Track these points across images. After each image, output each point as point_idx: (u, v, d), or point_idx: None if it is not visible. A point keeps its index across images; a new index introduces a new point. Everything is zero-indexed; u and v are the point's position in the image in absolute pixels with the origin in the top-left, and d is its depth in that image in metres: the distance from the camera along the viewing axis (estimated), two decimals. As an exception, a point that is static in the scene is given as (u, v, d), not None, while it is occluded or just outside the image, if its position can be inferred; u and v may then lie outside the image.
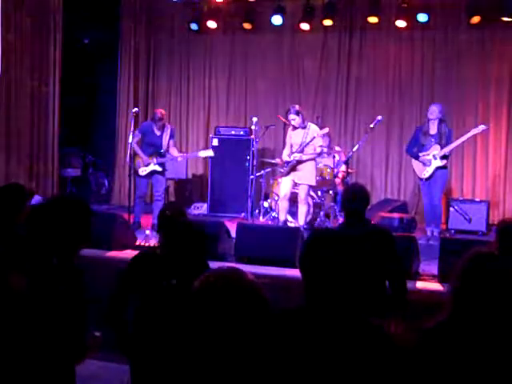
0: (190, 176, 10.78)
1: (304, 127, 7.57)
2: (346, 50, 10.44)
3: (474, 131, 7.75)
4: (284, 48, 10.72)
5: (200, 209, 10.01)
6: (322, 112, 10.39)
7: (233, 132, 10.05)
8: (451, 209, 8.44)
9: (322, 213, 8.15)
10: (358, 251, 3.73)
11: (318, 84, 10.61)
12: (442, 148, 7.61)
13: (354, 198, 4.03)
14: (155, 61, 11.40)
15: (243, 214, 8.87)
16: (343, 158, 8.57)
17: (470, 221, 8.29)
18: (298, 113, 7.52)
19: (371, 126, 7.54)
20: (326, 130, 7.81)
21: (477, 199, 9.14)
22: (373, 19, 9.85)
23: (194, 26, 10.65)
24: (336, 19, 10.10)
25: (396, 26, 9.81)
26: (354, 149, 7.70)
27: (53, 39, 9.94)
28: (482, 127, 7.77)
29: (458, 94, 9.91)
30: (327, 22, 10.06)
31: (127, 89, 11.23)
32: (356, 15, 10.26)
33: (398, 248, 3.98)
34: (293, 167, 7.56)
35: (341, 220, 8.03)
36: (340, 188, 8.68)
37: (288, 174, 7.61)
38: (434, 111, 7.70)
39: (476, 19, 9.34)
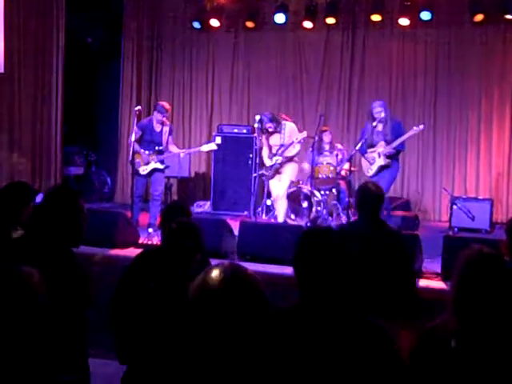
0: (192, 174, 10.78)
1: (280, 131, 7.67)
2: (348, 48, 10.44)
3: (413, 131, 7.39)
4: (287, 46, 10.72)
5: (203, 207, 10.01)
6: (325, 110, 10.38)
7: (235, 130, 10.05)
8: (454, 207, 8.42)
9: (324, 211, 8.14)
10: (368, 250, 3.74)
11: (321, 82, 10.61)
12: (387, 145, 7.30)
13: (368, 197, 4.03)
14: (158, 59, 11.40)
15: (246, 212, 8.86)
16: (346, 156, 8.55)
17: (473, 219, 8.27)
18: (271, 120, 7.66)
19: (374, 124, 7.50)
20: (304, 133, 7.74)
21: (480, 197, 9.13)
22: (376, 17, 9.84)
23: (196, 25, 10.64)
24: (339, 17, 10.10)
25: (399, 24, 9.81)
26: (357, 147, 7.67)
27: (56, 38, 9.94)
28: (421, 127, 7.47)
29: (462, 91, 9.90)
30: (330, 20, 10.06)
31: (130, 87, 11.23)
32: (359, 13, 10.25)
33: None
34: (277, 169, 7.74)
35: (343, 218, 8.03)
36: (343, 186, 8.67)
37: (273, 176, 7.78)
38: (379, 112, 7.31)
39: (479, 17, 9.32)
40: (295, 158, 7.90)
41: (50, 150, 10.00)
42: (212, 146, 8.19)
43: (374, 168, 7.37)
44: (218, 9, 10.50)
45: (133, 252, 5.64)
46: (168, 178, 9.41)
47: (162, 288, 3.22)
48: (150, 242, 6.68)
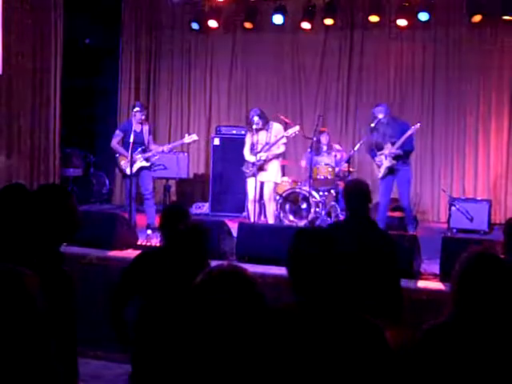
0: (191, 175, 10.78)
1: (267, 129, 7.67)
2: (347, 48, 10.45)
3: (411, 130, 7.31)
4: (285, 47, 10.72)
5: (201, 208, 10.01)
6: (324, 110, 10.38)
7: (234, 131, 10.05)
8: (453, 208, 8.43)
9: (323, 212, 8.14)
10: (353, 249, 3.73)
11: (319, 83, 10.62)
12: (392, 147, 7.34)
13: (351, 196, 4.04)
14: (156, 60, 11.40)
15: (244, 214, 8.86)
16: (344, 157, 8.57)
17: (471, 220, 8.27)
18: (260, 116, 7.66)
19: (372, 125, 7.51)
20: (297, 128, 7.79)
21: (478, 198, 9.13)
22: (374, 18, 9.86)
23: (195, 26, 10.64)
24: (337, 18, 10.11)
25: (397, 25, 9.82)
26: (356, 148, 7.68)
27: (54, 39, 9.93)
28: (418, 125, 7.44)
29: (459, 92, 9.90)
30: (328, 21, 10.07)
31: (128, 88, 11.24)
32: (357, 14, 10.26)
33: (399, 247, 3.97)
34: (260, 167, 7.70)
35: (342, 219, 8.03)
36: (341, 187, 8.68)
37: (255, 174, 7.72)
38: (383, 116, 7.37)
39: (477, 18, 9.32)
40: (280, 159, 7.88)
41: (48, 152, 9.98)
42: (194, 137, 8.22)
43: (382, 170, 7.44)
44: (217, 10, 10.51)
45: (131, 254, 5.64)
46: (167, 179, 9.42)
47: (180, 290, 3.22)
48: (148, 244, 6.68)
